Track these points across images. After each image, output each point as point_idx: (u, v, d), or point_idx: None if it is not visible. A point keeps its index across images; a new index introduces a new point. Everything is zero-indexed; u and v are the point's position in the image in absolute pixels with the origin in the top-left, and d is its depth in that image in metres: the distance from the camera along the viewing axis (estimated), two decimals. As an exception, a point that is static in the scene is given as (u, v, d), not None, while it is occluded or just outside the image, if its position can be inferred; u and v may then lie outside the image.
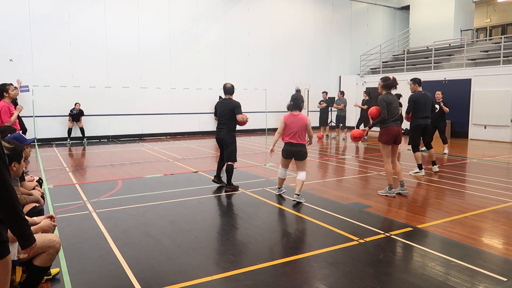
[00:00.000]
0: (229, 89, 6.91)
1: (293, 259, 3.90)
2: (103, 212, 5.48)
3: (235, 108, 6.73)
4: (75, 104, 13.98)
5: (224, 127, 6.82)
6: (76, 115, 14.04)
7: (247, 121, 6.79)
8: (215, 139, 7.21)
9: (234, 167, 6.84)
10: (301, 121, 6.03)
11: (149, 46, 15.61)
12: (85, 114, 14.28)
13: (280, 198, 6.31)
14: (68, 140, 14.05)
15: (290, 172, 8.28)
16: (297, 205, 5.83)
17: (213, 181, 7.18)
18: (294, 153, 6.08)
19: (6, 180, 1.94)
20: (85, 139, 14.31)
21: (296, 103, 6.13)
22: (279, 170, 6.43)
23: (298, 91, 19.03)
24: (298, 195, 5.97)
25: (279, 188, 6.51)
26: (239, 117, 6.73)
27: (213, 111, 16.80)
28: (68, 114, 14.03)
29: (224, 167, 6.97)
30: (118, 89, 15.19)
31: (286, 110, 6.68)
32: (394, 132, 6.29)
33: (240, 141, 15.01)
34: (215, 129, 7.24)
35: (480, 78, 15.23)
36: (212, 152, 11.62)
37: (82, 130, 14.19)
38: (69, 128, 14.05)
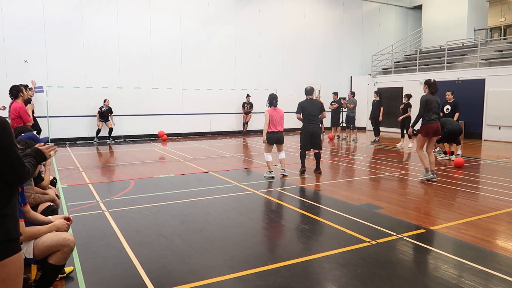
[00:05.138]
0: (308, 91, 8.33)
1: (305, 260, 3.89)
2: (116, 212, 5.54)
3: (322, 106, 8.46)
4: (104, 101, 14.29)
5: (316, 122, 8.27)
6: (105, 112, 14.31)
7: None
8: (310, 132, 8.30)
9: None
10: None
11: (160, 47, 15.73)
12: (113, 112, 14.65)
13: (292, 199, 6.31)
14: (95, 139, 14.47)
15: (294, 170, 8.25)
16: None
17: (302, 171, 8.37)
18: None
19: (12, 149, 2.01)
20: (110, 139, 14.62)
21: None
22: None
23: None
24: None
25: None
26: (324, 113, 8.60)
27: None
28: (97, 113, 14.32)
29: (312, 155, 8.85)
30: (130, 89, 15.34)
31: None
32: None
33: (250, 141, 15.02)
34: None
35: (494, 78, 14.99)
36: (223, 153, 11.65)
37: (110, 130, 14.51)
38: (98, 129, 14.39)
